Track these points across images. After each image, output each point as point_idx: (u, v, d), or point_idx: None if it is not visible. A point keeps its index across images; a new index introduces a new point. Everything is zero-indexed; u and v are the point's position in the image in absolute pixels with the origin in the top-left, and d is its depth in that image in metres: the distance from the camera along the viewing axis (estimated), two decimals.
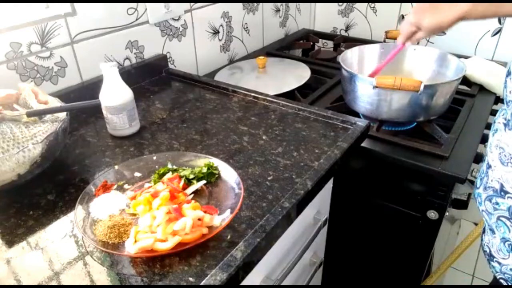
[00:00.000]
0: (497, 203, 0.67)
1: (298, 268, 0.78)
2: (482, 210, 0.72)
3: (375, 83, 0.91)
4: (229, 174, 0.65)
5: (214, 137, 0.81)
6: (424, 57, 1.10)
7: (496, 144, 0.68)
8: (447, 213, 0.93)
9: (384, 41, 1.22)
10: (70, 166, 0.73)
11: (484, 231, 0.75)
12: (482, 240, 0.76)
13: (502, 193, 0.66)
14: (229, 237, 0.55)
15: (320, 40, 1.66)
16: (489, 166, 0.70)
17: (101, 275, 0.51)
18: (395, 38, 1.18)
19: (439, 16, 0.73)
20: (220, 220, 0.56)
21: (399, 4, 1.51)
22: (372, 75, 0.99)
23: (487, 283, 1.56)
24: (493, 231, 0.70)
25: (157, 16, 1.07)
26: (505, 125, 0.67)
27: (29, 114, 0.69)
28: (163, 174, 0.65)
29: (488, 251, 0.73)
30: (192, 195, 0.62)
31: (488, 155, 0.71)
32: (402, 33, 0.87)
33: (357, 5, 1.62)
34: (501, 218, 0.67)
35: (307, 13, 1.74)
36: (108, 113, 0.79)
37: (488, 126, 1.08)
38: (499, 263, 0.70)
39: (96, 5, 0.92)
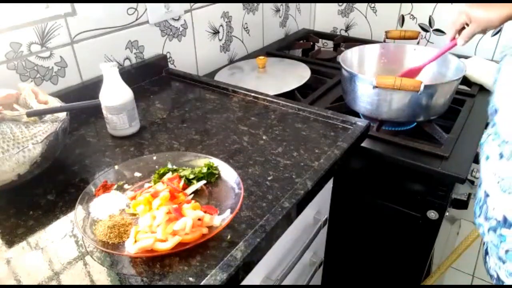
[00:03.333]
0: (501, 235, 0.60)
1: (298, 268, 0.78)
2: (488, 241, 0.65)
3: (375, 83, 0.91)
4: (229, 174, 0.65)
5: (214, 137, 0.81)
6: (424, 57, 1.10)
7: (493, 172, 0.61)
8: (447, 213, 0.93)
9: (384, 41, 1.22)
10: (70, 166, 0.73)
11: (487, 253, 0.69)
12: (485, 262, 0.70)
13: (507, 224, 0.59)
14: (229, 237, 0.55)
15: (320, 40, 1.66)
16: (487, 195, 0.63)
17: (101, 275, 0.51)
18: (395, 38, 1.18)
19: (490, 9, 0.73)
20: (220, 220, 0.56)
21: (399, 4, 1.51)
22: (408, 74, 0.99)
23: (487, 283, 1.57)
24: (502, 260, 0.63)
25: (157, 16, 1.07)
26: (500, 155, 0.60)
27: (29, 114, 0.69)
28: (163, 174, 0.65)
29: (495, 275, 0.66)
30: (192, 195, 0.62)
31: (484, 181, 0.63)
32: (453, 24, 0.85)
33: (357, 5, 1.62)
34: (509, 252, 0.60)
35: (307, 13, 1.74)
36: (108, 113, 0.79)
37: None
38: None
39: (96, 5, 0.92)
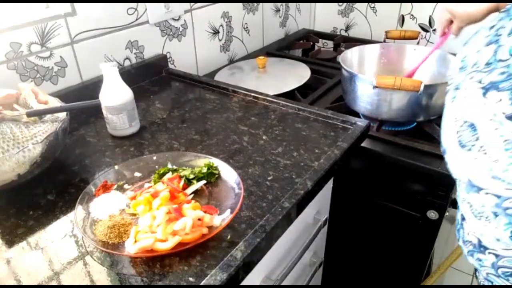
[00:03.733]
0: (479, 260, 0.59)
1: (298, 268, 0.78)
2: (470, 263, 0.63)
3: (375, 83, 0.91)
4: (229, 174, 0.65)
5: (214, 137, 0.81)
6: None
7: (463, 198, 0.59)
8: (447, 213, 0.93)
9: (384, 41, 1.22)
10: (70, 166, 0.73)
11: (476, 269, 0.66)
12: (477, 277, 0.67)
13: (482, 249, 0.58)
14: (229, 237, 0.55)
15: (320, 40, 1.66)
16: (463, 218, 0.62)
17: (101, 275, 0.51)
18: (395, 38, 1.18)
19: (469, 5, 0.76)
20: (220, 220, 0.56)
21: (399, 4, 1.51)
22: (410, 75, 1.01)
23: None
24: (489, 281, 0.61)
25: (157, 16, 1.07)
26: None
27: (29, 114, 0.69)
28: (163, 174, 0.65)
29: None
30: (192, 195, 0.62)
31: (460, 205, 0.62)
32: (439, 22, 0.89)
33: (357, 5, 1.62)
34: (490, 276, 0.59)
35: (307, 13, 1.74)
36: (108, 113, 0.79)
37: None
38: None
39: (96, 5, 0.92)
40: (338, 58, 1.11)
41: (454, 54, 1.04)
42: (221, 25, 1.30)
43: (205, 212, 0.56)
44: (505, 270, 0.55)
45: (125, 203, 0.61)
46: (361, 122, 0.83)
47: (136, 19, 1.03)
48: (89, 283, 0.50)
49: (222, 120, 0.87)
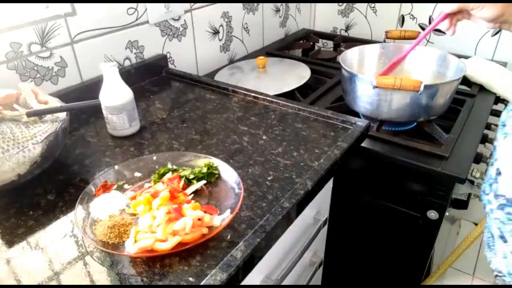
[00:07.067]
0: (509, 213, 0.62)
1: (298, 268, 0.78)
2: (494, 218, 0.66)
3: (375, 83, 0.91)
4: (229, 174, 0.65)
5: (214, 137, 0.81)
6: (424, 57, 1.10)
7: (503, 153, 0.63)
8: (447, 213, 0.93)
9: (384, 41, 1.22)
10: (70, 166, 0.73)
11: (489, 247, 0.70)
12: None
13: None
14: (229, 237, 0.55)
15: (320, 40, 1.66)
16: (498, 173, 0.65)
17: (101, 275, 0.51)
18: (395, 38, 1.18)
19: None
20: (220, 220, 0.56)
21: (399, 4, 1.51)
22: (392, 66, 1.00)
23: (487, 283, 1.57)
24: (505, 239, 0.64)
25: (157, 16, 1.07)
26: None
27: (29, 114, 0.69)
28: (163, 174, 0.65)
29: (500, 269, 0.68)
30: (192, 195, 0.62)
31: (498, 160, 0.65)
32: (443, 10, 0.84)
33: (357, 5, 1.62)
34: None
35: (307, 13, 1.74)
36: (108, 113, 0.79)
37: (488, 126, 1.08)
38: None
39: (96, 5, 0.92)
40: (338, 58, 1.11)
41: (454, 55, 1.04)
42: (221, 25, 1.30)
43: (205, 212, 0.56)
44: None
45: (125, 203, 0.61)
46: (361, 122, 0.83)
47: (136, 19, 1.03)
48: (89, 283, 0.50)
49: (222, 120, 0.87)
